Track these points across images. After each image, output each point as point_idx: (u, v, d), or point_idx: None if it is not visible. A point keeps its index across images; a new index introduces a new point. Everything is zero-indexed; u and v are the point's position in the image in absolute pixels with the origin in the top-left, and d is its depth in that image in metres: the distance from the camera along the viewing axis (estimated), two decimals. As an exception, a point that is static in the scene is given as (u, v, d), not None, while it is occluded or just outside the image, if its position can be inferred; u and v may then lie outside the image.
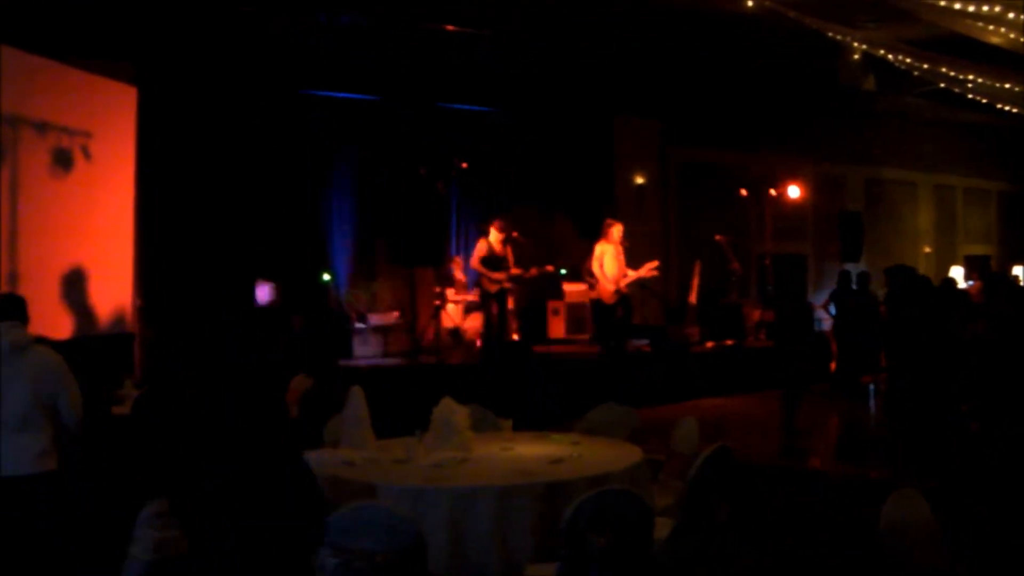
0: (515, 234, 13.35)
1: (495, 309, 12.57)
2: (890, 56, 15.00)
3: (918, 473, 8.45)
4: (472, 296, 13.22)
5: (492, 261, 12.37)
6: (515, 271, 12.62)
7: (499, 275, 12.33)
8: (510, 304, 13.45)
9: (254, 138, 12.58)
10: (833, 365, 14.26)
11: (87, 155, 9.87)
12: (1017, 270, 18.60)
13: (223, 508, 4.00)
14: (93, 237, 10.15)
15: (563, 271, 14.43)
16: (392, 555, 3.81)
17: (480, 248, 12.48)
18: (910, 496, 3.66)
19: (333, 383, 8.88)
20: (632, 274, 12.84)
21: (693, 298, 14.30)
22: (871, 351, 12.58)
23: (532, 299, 14.43)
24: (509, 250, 12.63)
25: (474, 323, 13.10)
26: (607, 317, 13.02)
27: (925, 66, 15.05)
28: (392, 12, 12.97)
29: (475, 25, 13.63)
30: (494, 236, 12.49)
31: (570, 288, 14.55)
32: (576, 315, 14.59)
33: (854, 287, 13.18)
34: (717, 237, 14.09)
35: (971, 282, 15.97)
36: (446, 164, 13.42)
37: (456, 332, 13.12)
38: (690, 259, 13.85)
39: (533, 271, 12.91)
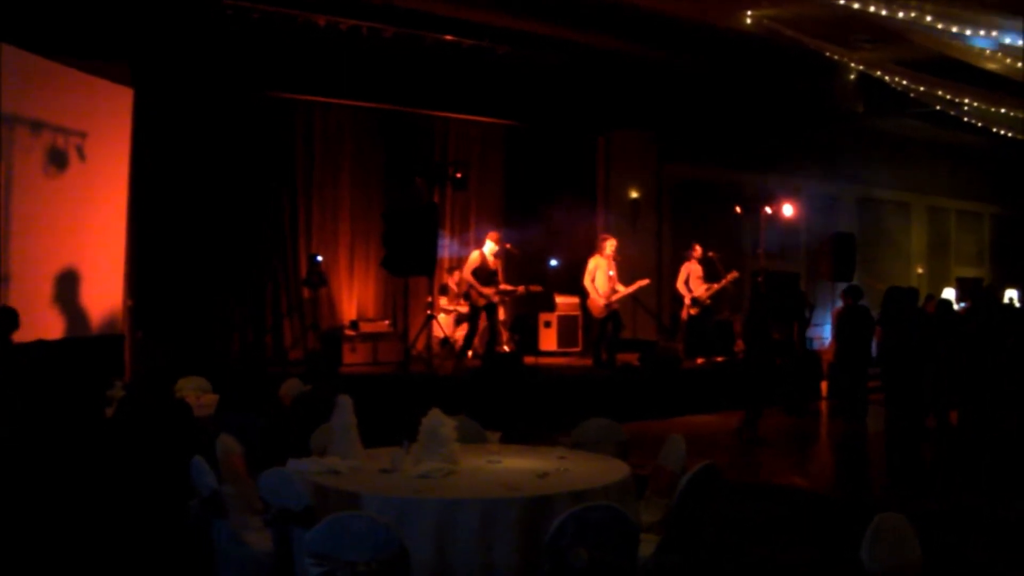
0: (508, 246, 13.32)
1: (483, 322, 12.51)
2: (886, 77, 15.06)
3: (907, 492, 8.47)
4: (464, 307, 13.16)
5: (484, 274, 12.31)
6: (505, 287, 12.59)
7: (489, 290, 12.26)
8: (501, 315, 13.42)
9: (249, 142, 12.58)
10: (824, 384, 14.20)
11: (82, 155, 9.87)
12: (1010, 293, 18.63)
13: None
14: (86, 237, 10.14)
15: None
16: (375, 565, 3.80)
17: (473, 259, 12.42)
18: (893, 520, 3.66)
19: (332, 390, 8.85)
20: (622, 290, 12.82)
21: (685, 314, 14.28)
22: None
23: (524, 311, 14.41)
24: (500, 264, 12.59)
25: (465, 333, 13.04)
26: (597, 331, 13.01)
27: (921, 88, 15.11)
28: (393, 22, 12.97)
29: (475, 37, 13.63)
30: (489, 248, 12.45)
31: (562, 300, 14.56)
32: (568, 328, 14.59)
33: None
34: (710, 254, 14.10)
35: (963, 304, 15.98)
36: (440, 173, 13.39)
37: (447, 342, 13.10)
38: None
39: (521, 289, 12.88)
